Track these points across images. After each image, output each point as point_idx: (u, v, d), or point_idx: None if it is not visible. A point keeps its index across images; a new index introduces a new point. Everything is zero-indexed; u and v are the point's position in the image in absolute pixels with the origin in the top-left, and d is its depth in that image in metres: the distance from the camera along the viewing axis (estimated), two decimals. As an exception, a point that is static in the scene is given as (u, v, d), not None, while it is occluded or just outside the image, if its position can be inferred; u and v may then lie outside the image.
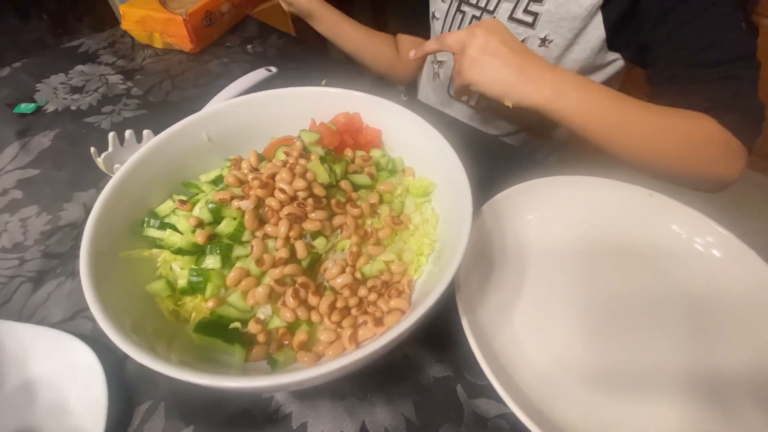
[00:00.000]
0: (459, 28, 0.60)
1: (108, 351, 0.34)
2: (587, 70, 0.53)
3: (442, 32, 0.64)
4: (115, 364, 0.33)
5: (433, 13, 0.65)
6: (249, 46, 0.75)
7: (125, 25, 0.73)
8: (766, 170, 1.43)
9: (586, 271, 0.38)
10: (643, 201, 0.40)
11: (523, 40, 0.53)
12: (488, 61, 0.41)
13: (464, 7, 0.59)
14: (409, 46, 0.72)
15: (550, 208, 0.41)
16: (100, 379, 0.31)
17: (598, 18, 0.48)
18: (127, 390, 0.33)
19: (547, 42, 0.51)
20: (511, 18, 0.53)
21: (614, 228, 0.40)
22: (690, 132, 0.42)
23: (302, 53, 0.72)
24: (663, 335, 0.34)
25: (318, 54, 0.72)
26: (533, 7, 0.51)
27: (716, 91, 0.43)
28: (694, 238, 0.38)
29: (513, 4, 0.53)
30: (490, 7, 0.55)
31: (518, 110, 0.43)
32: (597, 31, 0.49)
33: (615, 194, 0.41)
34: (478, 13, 0.57)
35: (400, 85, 0.80)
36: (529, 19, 0.52)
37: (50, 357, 0.33)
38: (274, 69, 0.65)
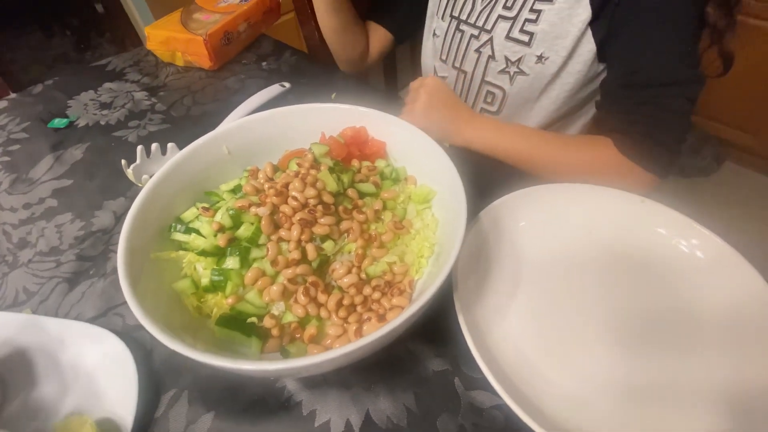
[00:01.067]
0: (458, 46, 0.63)
1: (136, 344, 0.37)
2: (582, 81, 0.55)
3: (442, 49, 0.66)
4: (143, 356, 0.37)
5: (434, 31, 0.68)
6: (264, 63, 0.79)
7: (150, 45, 0.78)
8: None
9: (579, 274, 0.40)
10: (636, 206, 0.42)
11: (520, 59, 0.56)
12: (429, 114, 0.53)
13: (463, 27, 0.61)
14: (376, 33, 0.77)
15: (545, 214, 0.43)
16: (132, 369, 0.34)
17: (589, 33, 0.50)
18: (154, 379, 0.36)
19: (543, 59, 0.54)
20: (508, 37, 0.56)
21: (607, 233, 0.42)
22: (589, 160, 0.52)
23: (314, 69, 0.76)
24: (659, 339, 0.35)
25: (328, 70, 0.76)
26: (528, 27, 0.54)
27: (634, 114, 0.49)
28: (680, 241, 0.40)
29: (510, 24, 0.55)
30: (488, 27, 0.58)
31: None
32: (588, 45, 0.51)
33: (608, 200, 0.43)
34: (476, 32, 0.60)
35: (349, 72, 0.81)
36: (525, 38, 0.54)
37: (86, 349, 0.37)
38: (287, 85, 0.69)
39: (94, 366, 0.36)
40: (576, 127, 0.66)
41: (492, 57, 0.59)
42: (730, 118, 1.50)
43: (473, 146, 0.54)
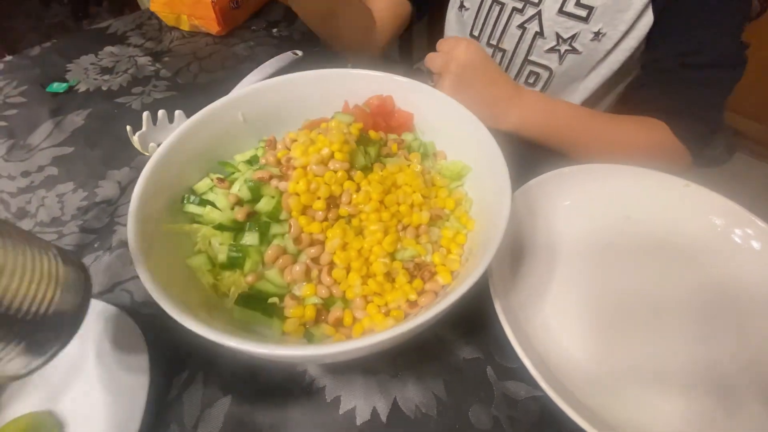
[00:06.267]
0: (496, 21, 0.57)
1: (146, 322, 0.35)
2: (629, 58, 0.51)
3: (474, 24, 0.60)
4: (153, 335, 0.35)
5: (462, 2, 0.61)
6: (274, 30, 0.75)
7: (153, 6, 0.74)
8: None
9: (620, 260, 0.37)
10: (680, 191, 0.39)
11: (574, 35, 0.51)
12: (462, 91, 0.43)
13: None
14: (389, 3, 0.64)
15: (583, 196, 0.40)
16: (142, 348, 0.32)
17: (650, 6, 0.47)
18: (166, 360, 0.34)
19: (600, 36, 0.49)
20: (561, 12, 0.50)
21: (649, 218, 0.39)
22: (644, 141, 0.48)
23: (327, 37, 0.72)
24: (697, 326, 0.33)
25: (343, 38, 0.72)
26: (587, 0, 0.48)
27: (688, 95, 0.47)
28: (732, 229, 0.37)
29: None
30: (535, 0, 0.52)
31: None
32: (647, 18, 0.47)
33: (650, 184, 0.40)
34: (519, 5, 0.53)
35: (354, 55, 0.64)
36: (583, 13, 0.49)
37: (92, 326, 0.35)
38: (300, 53, 0.65)
39: (101, 345, 0.34)
40: (603, 106, 0.62)
41: (540, 34, 0.53)
42: (744, 108, 1.45)
43: (519, 132, 0.46)
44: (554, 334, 0.33)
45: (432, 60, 0.46)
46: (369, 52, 0.65)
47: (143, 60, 0.68)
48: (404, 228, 0.33)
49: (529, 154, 0.43)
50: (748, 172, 1.54)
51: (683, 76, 0.47)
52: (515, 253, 0.37)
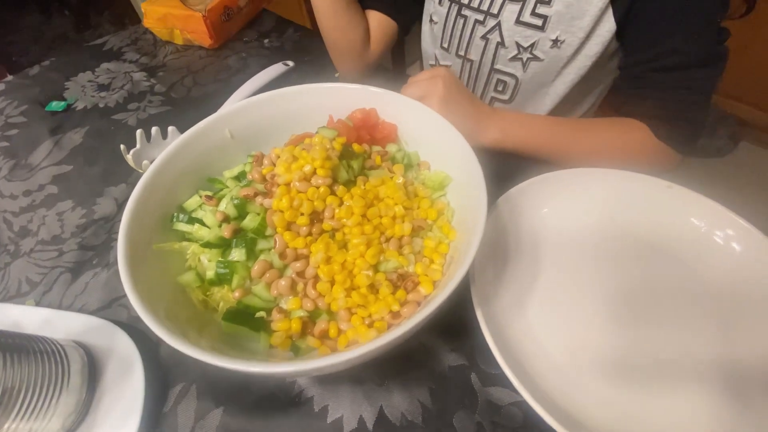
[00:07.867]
0: (461, 33, 0.58)
1: (143, 336, 0.36)
2: (597, 62, 0.51)
3: (443, 37, 0.62)
4: (149, 349, 0.36)
5: (431, 17, 0.63)
6: (266, 41, 0.76)
7: (147, 22, 0.75)
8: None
9: (603, 264, 0.38)
10: (662, 193, 0.40)
11: (533, 44, 0.52)
12: (450, 108, 0.45)
13: (465, 11, 0.57)
14: (377, 22, 0.66)
15: (566, 200, 0.41)
16: (138, 362, 0.33)
17: (609, 11, 0.47)
18: (161, 373, 0.35)
19: (559, 43, 0.50)
20: (518, 22, 0.52)
21: (632, 220, 0.40)
22: (624, 144, 0.50)
23: (318, 46, 0.73)
24: (680, 329, 0.34)
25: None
26: (541, 9, 0.49)
27: (667, 100, 0.47)
28: (713, 230, 0.37)
29: (519, 7, 0.51)
30: (494, 11, 0.54)
31: None
32: (608, 24, 0.48)
33: (633, 186, 0.41)
34: (481, 17, 0.55)
35: (351, 70, 0.68)
36: (539, 22, 0.50)
37: (90, 343, 0.36)
38: (291, 63, 0.66)
39: (98, 360, 0.35)
40: (583, 108, 0.62)
41: (501, 44, 0.55)
42: (748, 96, 1.44)
43: (501, 146, 0.48)
44: (537, 339, 0.34)
45: (410, 89, 0.47)
46: (362, 60, 0.67)
47: (138, 76, 0.70)
48: (387, 240, 0.34)
49: (513, 163, 0.43)
50: (754, 161, 1.52)
51: (658, 80, 0.47)
52: (499, 259, 0.37)
